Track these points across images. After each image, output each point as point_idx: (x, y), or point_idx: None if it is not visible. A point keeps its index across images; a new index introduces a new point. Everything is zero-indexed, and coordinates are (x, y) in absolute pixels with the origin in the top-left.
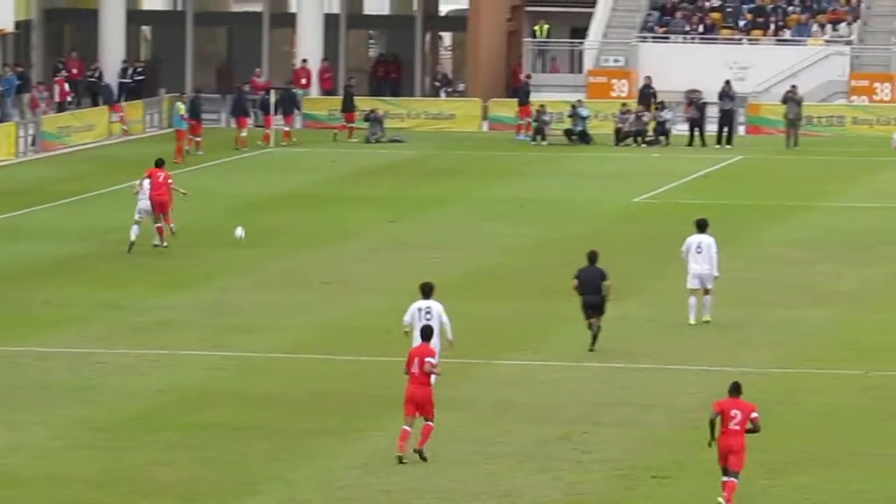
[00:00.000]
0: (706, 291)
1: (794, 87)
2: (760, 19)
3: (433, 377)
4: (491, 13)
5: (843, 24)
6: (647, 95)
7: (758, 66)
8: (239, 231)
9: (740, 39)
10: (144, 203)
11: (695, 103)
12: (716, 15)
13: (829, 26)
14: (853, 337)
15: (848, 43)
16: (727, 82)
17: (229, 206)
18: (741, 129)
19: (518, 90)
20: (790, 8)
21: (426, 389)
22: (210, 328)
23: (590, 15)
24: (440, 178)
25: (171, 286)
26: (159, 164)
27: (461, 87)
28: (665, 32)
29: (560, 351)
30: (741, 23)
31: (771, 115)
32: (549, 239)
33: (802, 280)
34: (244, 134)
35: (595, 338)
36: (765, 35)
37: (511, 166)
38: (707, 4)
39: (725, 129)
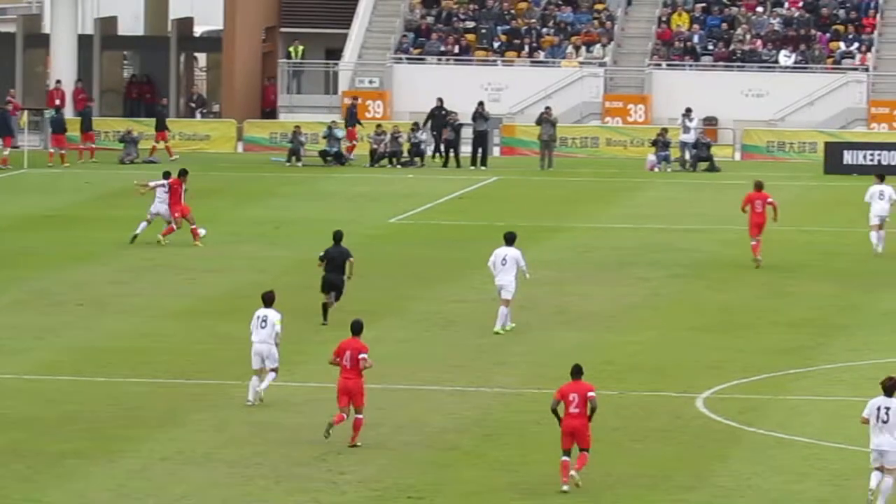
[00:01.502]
0: (506, 303)
1: (548, 108)
2: (515, 41)
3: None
4: (245, 34)
5: (597, 46)
6: (439, 117)
7: (512, 88)
8: (201, 231)
9: (495, 61)
10: (160, 207)
11: (450, 125)
12: (470, 36)
13: (583, 48)
14: (607, 357)
15: (602, 65)
16: (480, 103)
17: None
18: (496, 151)
19: (347, 112)
20: (544, 30)
21: (358, 381)
22: None
23: (345, 36)
24: (196, 199)
25: None
26: (182, 174)
27: (216, 108)
28: (420, 54)
29: (315, 372)
30: (496, 44)
31: (525, 137)
32: (304, 259)
33: (557, 301)
34: (6, 153)
35: (326, 314)
36: (519, 56)
37: (266, 187)
38: (461, 26)
39: (480, 150)
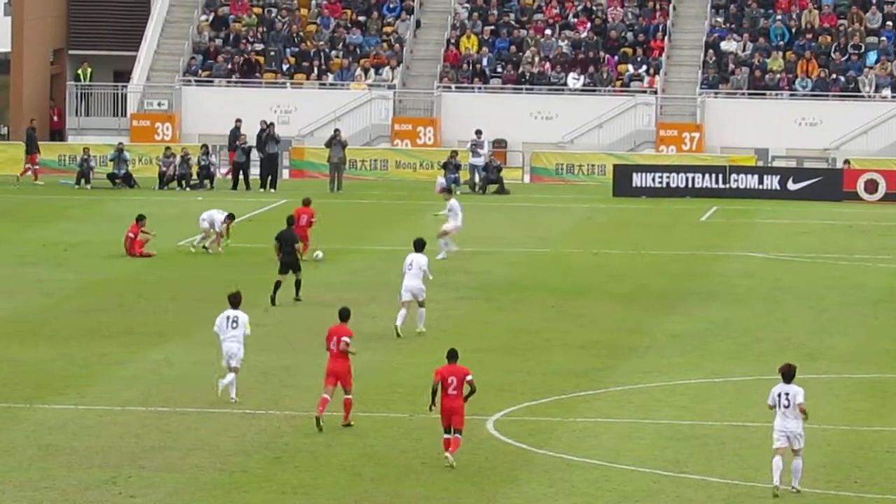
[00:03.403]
0: (420, 304)
1: (337, 130)
2: (304, 63)
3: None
4: (33, 56)
5: (386, 69)
6: (264, 139)
7: (301, 110)
8: (319, 254)
9: (284, 83)
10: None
11: (240, 147)
12: (259, 58)
13: (372, 71)
14: (397, 379)
15: (391, 87)
16: (270, 125)
17: None
18: (285, 173)
19: (231, 135)
20: (333, 52)
21: (345, 363)
22: None
23: (133, 58)
24: None
25: None
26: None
27: (4, 130)
28: (209, 76)
29: (105, 395)
30: (284, 67)
31: (315, 159)
32: (92, 282)
33: None
34: None
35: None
36: (308, 79)
37: (54, 210)
38: (250, 48)
39: (269, 172)
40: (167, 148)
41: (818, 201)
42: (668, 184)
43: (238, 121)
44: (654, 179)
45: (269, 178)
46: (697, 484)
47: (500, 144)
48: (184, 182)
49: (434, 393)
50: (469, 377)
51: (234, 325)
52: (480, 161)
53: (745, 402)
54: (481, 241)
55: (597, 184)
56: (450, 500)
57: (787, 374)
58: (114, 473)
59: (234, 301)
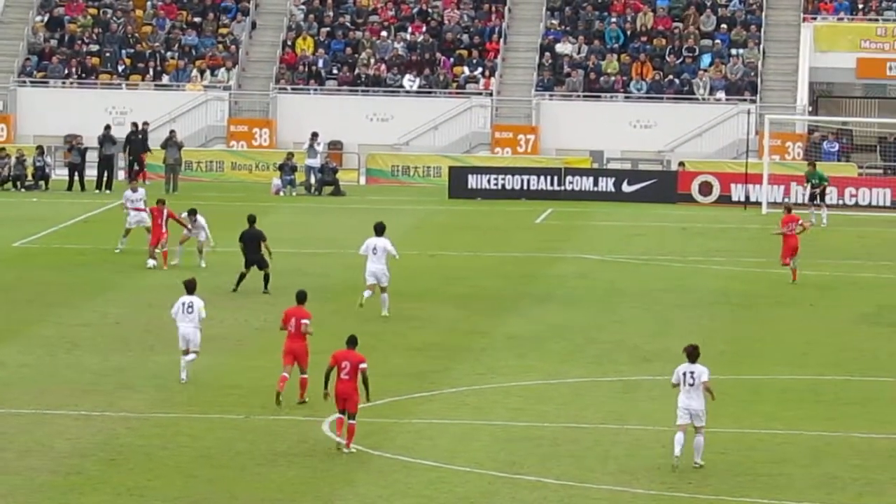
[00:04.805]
0: (383, 289)
1: (173, 131)
2: (139, 64)
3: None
4: None
5: (222, 70)
6: (136, 142)
7: (137, 111)
8: (152, 262)
9: (119, 84)
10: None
11: (75, 148)
12: (95, 59)
13: (207, 72)
14: (232, 381)
15: (226, 89)
16: (107, 127)
17: None
18: (121, 174)
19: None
20: (168, 53)
21: (302, 343)
22: None
23: None
24: None
25: None
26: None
27: None
28: (43, 77)
29: None
30: (120, 68)
31: (150, 160)
32: None
33: None
34: None
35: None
36: (143, 80)
37: None
38: (85, 49)
39: (105, 173)
40: (2, 149)
41: (653, 203)
42: (503, 186)
43: (133, 124)
44: (489, 181)
45: (106, 179)
46: (532, 485)
47: (335, 146)
48: (19, 183)
49: (328, 377)
50: (363, 365)
51: (190, 310)
52: (316, 163)
53: (581, 403)
54: (318, 243)
55: (432, 186)
56: (285, 502)
57: (692, 354)
58: None
59: (190, 287)
